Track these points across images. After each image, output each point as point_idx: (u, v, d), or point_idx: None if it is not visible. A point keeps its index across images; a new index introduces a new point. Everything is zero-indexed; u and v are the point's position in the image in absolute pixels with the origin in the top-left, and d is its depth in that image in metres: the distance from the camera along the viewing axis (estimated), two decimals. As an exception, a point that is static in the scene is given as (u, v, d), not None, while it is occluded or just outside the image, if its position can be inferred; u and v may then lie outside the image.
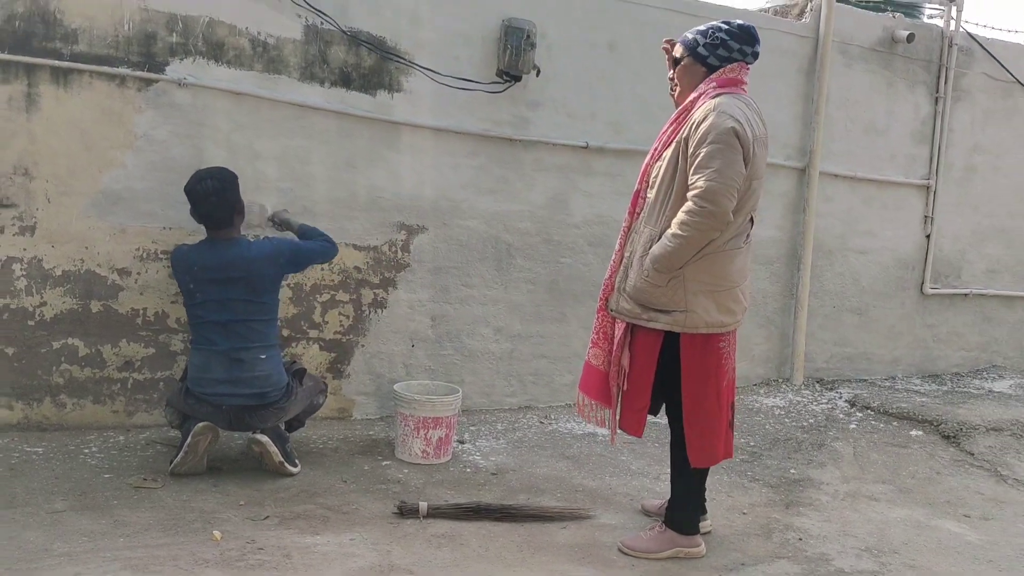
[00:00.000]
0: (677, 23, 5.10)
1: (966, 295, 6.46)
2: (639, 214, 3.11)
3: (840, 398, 5.57)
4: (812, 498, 3.88)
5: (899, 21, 6.01)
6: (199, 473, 3.56)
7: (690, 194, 2.86)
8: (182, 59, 4.00)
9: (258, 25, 4.12)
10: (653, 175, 3.06)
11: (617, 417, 3.24)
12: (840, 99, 5.70)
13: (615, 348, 3.19)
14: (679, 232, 2.88)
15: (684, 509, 3.21)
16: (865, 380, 6.10)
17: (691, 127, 2.94)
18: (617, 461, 4.22)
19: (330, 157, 4.33)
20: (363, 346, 4.53)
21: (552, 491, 3.76)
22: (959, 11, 6.13)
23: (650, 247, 2.99)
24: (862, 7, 6.08)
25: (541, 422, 4.77)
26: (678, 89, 3.16)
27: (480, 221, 4.74)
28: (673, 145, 2.99)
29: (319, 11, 4.20)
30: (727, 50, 3.01)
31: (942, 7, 6.27)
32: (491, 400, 4.90)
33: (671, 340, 3.07)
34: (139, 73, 3.92)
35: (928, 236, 6.24)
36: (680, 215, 2.89)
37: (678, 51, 3.13)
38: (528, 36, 4.55)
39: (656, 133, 5.02)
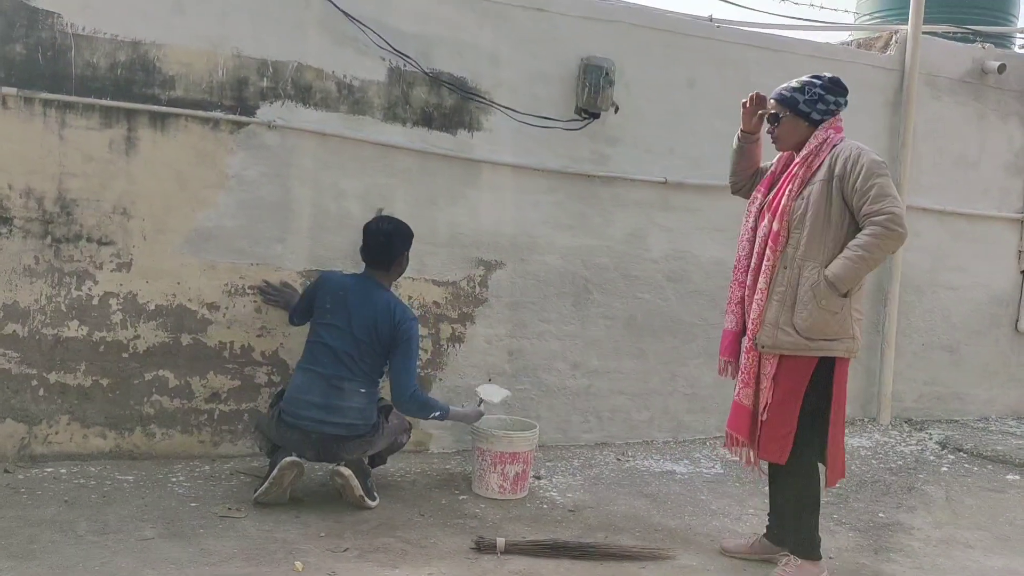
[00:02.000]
0: (754, 58, 5.10)
1: (1065, 333, 6.18)
2: (782, 251, 3.23)
3: (930, 439, 5.37)
4: (902, 544, 3.74)
5: (989, 52, 5.85)
6: (282, 504, 3.63)
7: (877, 219, 3.10)
8: (272, 102, 4.15)
9: (344, 68, 4.26)
10: (796, 213, 3.22)
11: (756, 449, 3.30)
12: (928, 132, 5.56)
13: (766, 383, 3.25)
14: (865, 253, 3.11)
15: (813, 532, 3.31)
16: (957, 421, 5.87)
17: (844, 166, 3.16)
18: (696, 500, 4.15)
19: (412, 194, 4.41)
20: (441, 380, 4.58)
21: (630, 530, 3.71)
22: (1053, 40, 5.95)
23: (816, 280, 3.15)
24: (949, 38, 5.93)
25: (618, 459, 4.72)
26: (779, 143, 3.39)
27: (558, 256, 4.76)
28: (819, 184, 3.19)
29: (403, 54, 4.32)
30: (825, 103, 3.28)
31: (1034, 36, 6.10)
32: (567, 436, 4.88)
33: (820, 366, 3.20)
34: (231, 116, 4.08)
35: (1023, 272, 6.00)
36: (866, 238, 3.11)
37: (776, 108, 3.35)
38: (607, 73, 4.58)
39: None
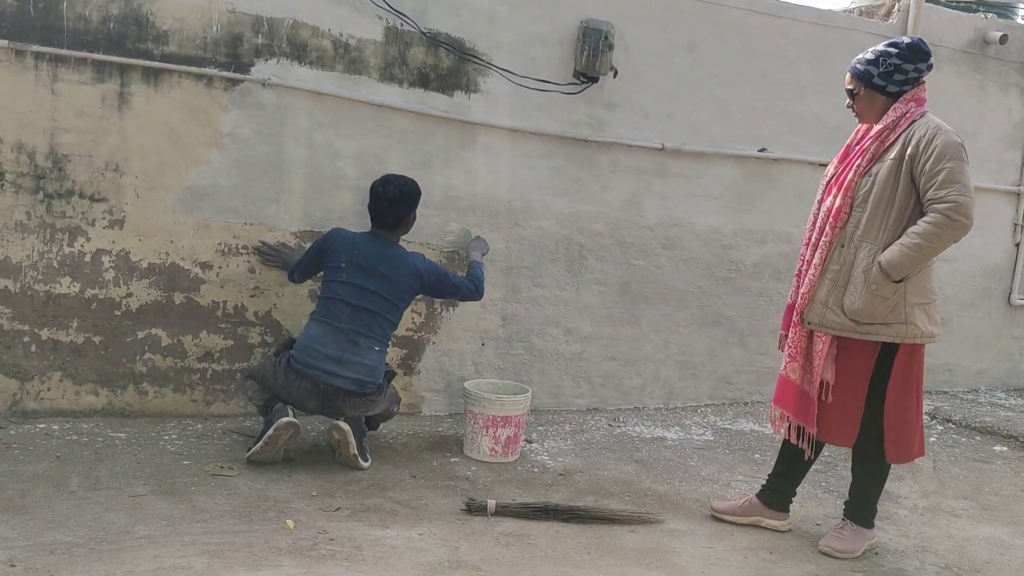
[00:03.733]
0: (756, 23, 5.06)
1: (1057, 307, 6.20)
2: (840, 229, 3.18)
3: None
4: (889, 512, 3.78)
5: (991, 22, 5.80)
6: (274, 463, 3.65)
7: (939, 207, 2.99)
8: (267, 60, 4.10)
9: (340, 27, 4.20)
10: (861, 190, 3.14)
11: (814, 430, 3.27)
12: (928, 102, 5.51)
13: (819, 361, 3.23)
14: (923, 242, 3.01)
15: (872, 504, 3.37)
16: (947, 392, 5.91)
17: (917, 146, 3.05)
18: (686, 466, 4.18)
19: (407, 156, 4.38)
20: (434, 343, 4.58)
21: (620, 494, 3.74)
22: (1057, 11, 5.90)
23: (872, 260, 3.09)
24: (952, 7, 5.88)
25: (609, 424, 4.74)
26: (860, 118, 3.27)
27: (553, 222, 4.74)
28: (889, 163, 3.10)
29: (400, 13, 4.26)
30: (903, 73, 3.14)
31: (1038, 7, 6.04)
32: (559, 401, 4.90)
33: (884, 351, 3.18)
34: (226, 73, 4.03)
35: (1018, 245, 6.02)
36: (925, 226, 3.01)
37: (852, 84, 3.23)
38: (606, 37, 4.53)
39: (734, 134, 5.06)
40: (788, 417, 3.33)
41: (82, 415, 4.00)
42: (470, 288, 4.04)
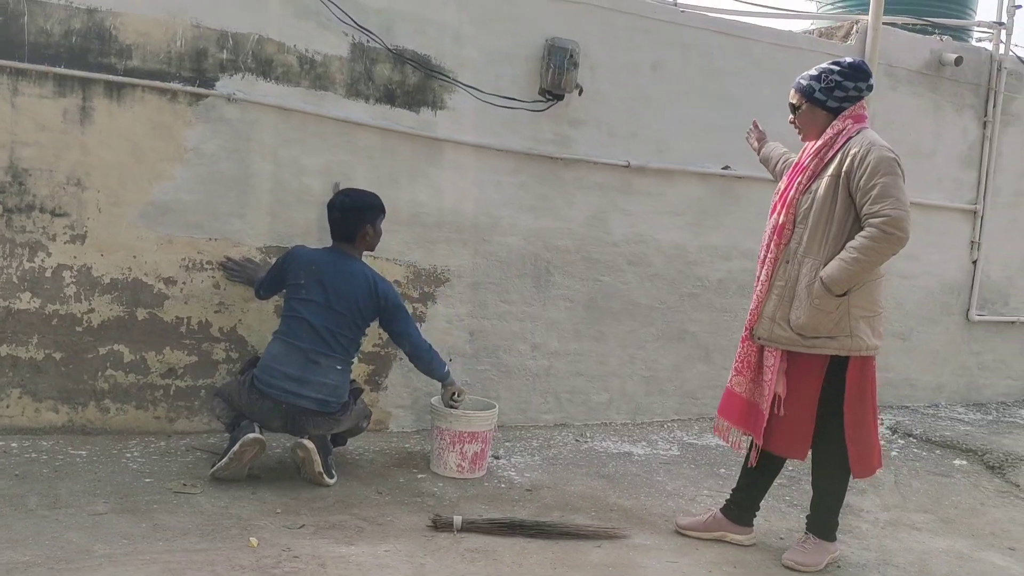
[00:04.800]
0: (718, 43, 5.14)
1: (1014, 323, 6.34)
2: (785, 245, 3.24)
3: (881, 424, 5.46)
4: (851, 525, 3.82)
5: (947, 44, 5.95)
6: (238, 480, 3.61)
7: (875, 221, 3.04)
8: (232, 75, 4.09)
9: (306, 42, 4.20)
10: (802, 207, 3.20)
11: (760, 442, 3.32)
12: (885, 122, 5.63)
13: (770, 376, 3.26)
14: (860, 256, 3.06)
15: (833, 517, 3.39)
16: (907, 407, 6.00)
17: (852, 162, 3.10)
18: (652, 481, 4.19)
19: (373, 172, 4.38)
20: (401, 359, 4.56)
21: (587, 509, 3.74)
22: (1008, 34, 6.08)
23: (814, 275, 3.13)
24: (908, 30, 6.02)
25: (576, 440, 4.75)
26: (802, 133, 3.34)
27: (519, 238, 4.76)
28: (827, 179, 3.16)
29: (366, 29, 4.27)
30: (843, 90, 3.20)
31: (991, 31, 6.21)
32: (527, 416, 4.91)
33: (833, 364, 3.21)
34: (190, 88, 4.01)
35: (975, 262, 6.15)
36: (862, 240, 3.06)
37: (795, 98, 3.31)
38: (571, 55, 4.58)
39: (698, 152, 5.12)
40: (733, 429, 3.40)
41: (42, 432, 3.93)
42: (425, 347, 3.93)
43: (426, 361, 3.95)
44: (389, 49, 4.35)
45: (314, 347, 3.69)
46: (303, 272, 3.78)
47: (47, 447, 3.81)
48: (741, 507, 3.50)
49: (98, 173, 3.93)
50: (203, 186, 4.09)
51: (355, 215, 3.86)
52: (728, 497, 3.56)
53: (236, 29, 4.07)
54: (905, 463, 4.82)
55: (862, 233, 3.08)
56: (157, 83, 3.96)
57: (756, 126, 3.89)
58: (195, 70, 4.02)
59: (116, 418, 4.06)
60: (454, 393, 4.03)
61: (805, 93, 3.25)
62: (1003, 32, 6.09)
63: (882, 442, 5.08)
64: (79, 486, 3.43)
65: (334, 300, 3.74)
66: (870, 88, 3.25)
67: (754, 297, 3.32)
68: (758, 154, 3.83)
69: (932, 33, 6.14)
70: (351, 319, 3.77)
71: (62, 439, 3.91)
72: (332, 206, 3.88)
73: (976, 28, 6.55)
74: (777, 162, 3.69)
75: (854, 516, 3.94)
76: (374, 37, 4.30)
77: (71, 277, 3.93)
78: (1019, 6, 6.14)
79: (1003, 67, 6.01)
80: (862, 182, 3.07)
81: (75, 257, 3.93)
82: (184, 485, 3.52)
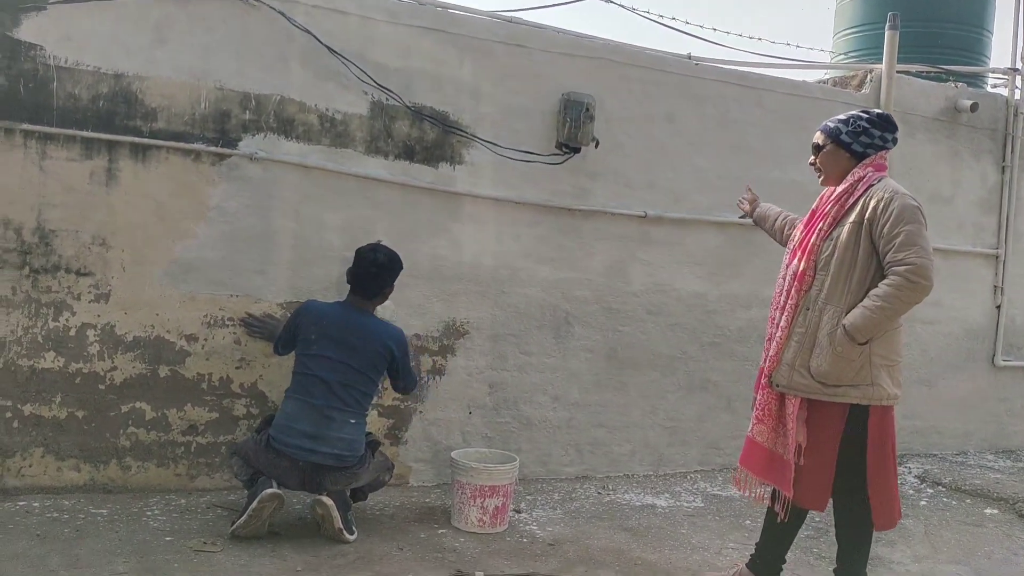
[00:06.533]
0: (732, 95, 5.19)
1: (1041, 368, 6.25)
2: (805, 292, 3.22)
3: (909, 473, 5.38)
4: (881, 578, 3.74)
5: (962, 91, 5.97)
6: (258, 537, 3.59)
7: (899, 269, 3.03)
8: (254, 135, 4.17)
9: (327, 102, 4.29)
10: (823, 254, 3.20)
11: (790, 493, 3.24)
12: (903, 169, 5.64)
13: (791, 424, 3.22)
14: (885, 304, 3.03)
15: (861, 569, 3.31)
16: (935, 455, 5.90)
17: (875, 209, 3.10)
18: (677, 534, 4.13)
19: (393, 227, 4.43)
20: (421, 412, 4.56)
21: (610, 564, 3.69)
22: (1024, 80, 6.09)
23: (836, 323, 3.11)
24: (923, 78, 6.05)
25: (599, 492, 4.70)
26: (822, 176, 3.35)
27: (539, 289, 4.78)
28: (849, 226, 3.15)
29: (385, 88, 4.35)
30: (869, 137, 3.23)
31: (1005, 76, 6.23)
32: (548, 469, 4.87)
33: (853, 413, 3.16)
34: (213, 148, 4.09)
35: (999, 306, 6.09)
36: (886, 288, 3.04)
37: (820, 138, 3.33)
38: (587, 109, 4.64)
39: (715, 202, 5.14)
40: (756, 480, 3.33)
41: (64, 491, 3.94)
42: (414, 381, 4.08)
43: (413, 393, 4.25)
44: (408, 106, 4.42)
45: (328, 403, 3.70)
46: (314, 328, 3.79)
47: (68, 506, 3.81)
48: (767, 562, 3.43)
49: (123, 233, 3.99)
50: (225, 243, 4.14)
51: (388, 274, 3.91)
52: (753, 552, 3.50)
53: (258, 91, 4.16)
54: (935, 512, 4.73)
55: (886, 281, 3.06)
56: (181, 144, 4.04)
57: (748, 190, 3.95)
58: (218, 131, 4.11)
59: (137, 476, 4.07)
60: None
61: (831, 134, 3.27)
62: (1018, 78, 6.11)
63: (911, 491, 5.05)
64: (100, 545, 3.42)
65: (347, 355, 3.75)
66: (895, 141, 3.27)
67: (773, 344, 3.29)
68: (750, 216, 3.89)
69: (947, 80, 6.17)
70: (365, 374, 3.78)
71: (83, 498, 3.92)
72: (366, 261, 3.87)
73: (991, 74, 6.57)
74: (776, 219, 3.73)
75: (884, 568, 3.86)
76: (393, 95, 4.38)
77: (95, 336, 3.98)
78: (1033, 52, 6.16)
79: (1019, 112, 6.02)
80: (886, 229, 3.06)
81: (99, 316, 3.98)
82: (204, 543, 3.51)
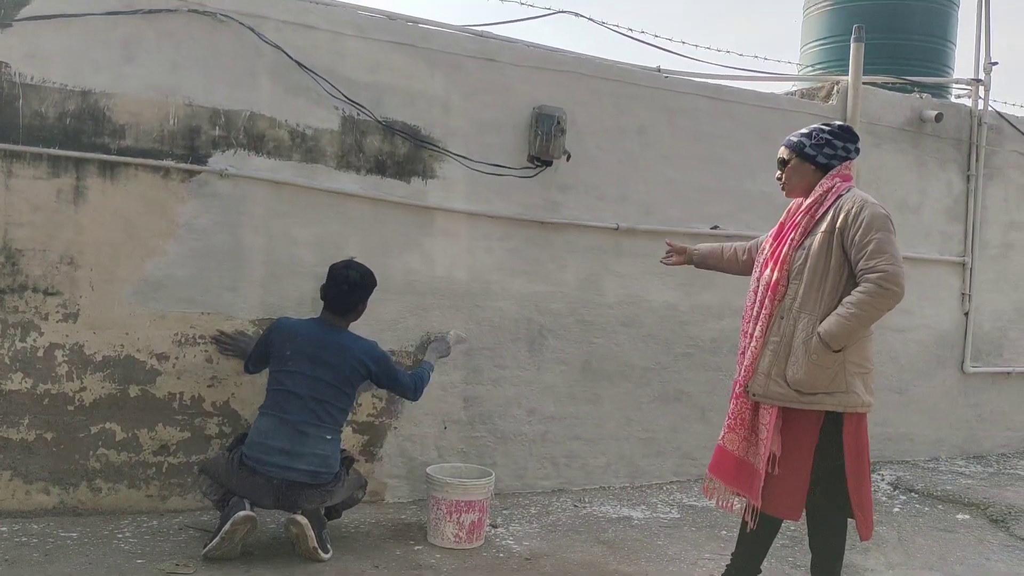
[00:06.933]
0: (703, 107, 5.23)
1: (1009, 373, 6.34)
2: (779, 301, 3.25)
3: (882, 480, 5.43)
4: (856, 585, 3.76)
5: (927, 101, 6.07)
6: (232, 558, 3.55)
7: (871, 276, 3.08)
8: (224, 151, 4.14)
9: (297, 117, 4.27)
10: (796, 263, 3.23)
11: (759, 503, 3.25)
12: (870, 178, 5.72)
13: (766, 434, 3.23)
14: (859, 312, 3.08)
15: None
16: (907, 461, 5.96)
17: (846, 218, 3.15)
18: (653, 546, 4.14)
19: (365, 242, 4.41)
20: (395, 428, 4.54)
21: (587, 578, 3.68)
22: (987, 90, 6.20)
23: (811, 331, 3.14)
24: (888, 89, 6.14)
25: (575, 505, 4.70)
26: (787, 189, 3.42)
27: (512, 302, 4.78)
28: (820, 235, 3.19)
29: (355, 103, 4.35)
30: (832, 148, 3.29)
31: (969, 87, 6.33)
32: (524, 483, 4.85)
33: (828, 421, 3.19)
34: (182, 165, 4.06)
35: (967, 314, 6.17)
36: (859, 296, 3.09)
37: (784, 153, 3.38)
38: (558, 122, 4.66)
39: (687, 214, 5.16)
40: (723, 488, 3.35)
41: (32, 515, 3.87)
42: (410, 386, 4.01)
43: (421, 390, 4.07)
44: (379, 121, 4.42)
45: (303, 418, 3.67)
46: (288, 344, 3.77)
47: (37, 530, 3.75)
48: (742, 572, 3.44)
49: (91, 251, 3.95)
50: (196, 261, 4.11)
51: (361, 291, 3.90)
52: (728, 562, 3.51)
53: (228, 107, 4.14)
54: (908, 519, 4.77)
55: (859, 289, 3.11)
56: (150, 161, 4.00)
57: (669, 244, 4.05)
58: (188, 147, 4.08)
59: (108, 498, 4.01)
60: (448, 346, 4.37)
61: (795, 148, 3.33)
62: (981, 88, 6.21)
63: (884, 498, 5.09)
64: (70, 569, 3.37)
65: (322, 371, 3.72)
66: (857, 151, 3.34)
67: (747, 354, 3.31)
68: (691, 262, 3.99)
69: (912, 91, 6.26)
70: (340, 389, 3.76)
71: (53, 521, 3.85)
72: (340, 279, 3.85)
73: (955, 85, 6.67)
74: (722, 253, 3.82)
75: (858, 575, 3.89)
76: (364, 110, 4.38)
77: (63, 356, 3.92)
78: (996, 63, 6.26)
79: (983, 122, 6.13)
80: (857, 238, 3.12)
81: (67, 336, 3.93)
82: (177, 565, 3.46)
